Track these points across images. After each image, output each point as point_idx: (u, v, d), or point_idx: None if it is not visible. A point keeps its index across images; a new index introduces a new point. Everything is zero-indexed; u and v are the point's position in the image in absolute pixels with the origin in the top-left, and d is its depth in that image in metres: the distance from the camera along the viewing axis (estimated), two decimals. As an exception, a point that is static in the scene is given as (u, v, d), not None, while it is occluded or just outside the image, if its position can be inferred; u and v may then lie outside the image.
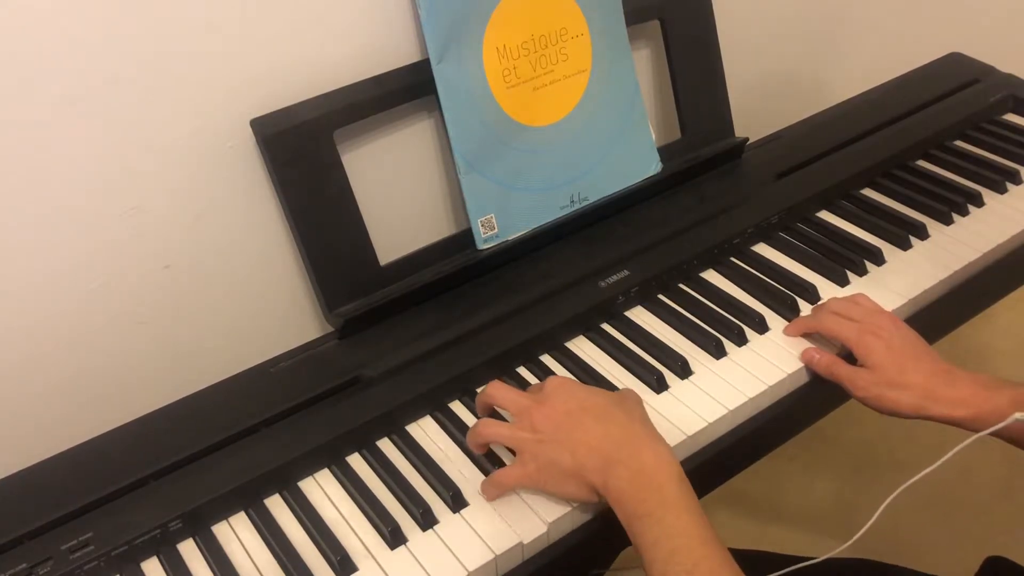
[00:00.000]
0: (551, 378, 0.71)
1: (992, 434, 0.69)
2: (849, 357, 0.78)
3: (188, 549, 0.66)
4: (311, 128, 0.76)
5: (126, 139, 0.71)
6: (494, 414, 0.73)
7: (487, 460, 0.70)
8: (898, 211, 0.97)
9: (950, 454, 0.67)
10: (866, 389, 0.75)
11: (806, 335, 0.82)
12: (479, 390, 0.73)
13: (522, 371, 0.79)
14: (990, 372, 0.74)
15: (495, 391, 0.71)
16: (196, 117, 0.73)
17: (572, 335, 0.83)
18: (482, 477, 0.70)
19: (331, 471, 0.71)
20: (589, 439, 0.64)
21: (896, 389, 0.74)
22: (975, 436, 0.69)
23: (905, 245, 0.92)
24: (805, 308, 0.85)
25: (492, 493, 0.68)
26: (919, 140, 1.06)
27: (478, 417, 0.74)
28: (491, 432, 0.69)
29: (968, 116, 1.10)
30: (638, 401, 0.70)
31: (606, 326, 0.84)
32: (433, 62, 0.79)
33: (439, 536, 0.66)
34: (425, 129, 0.85)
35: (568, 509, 0.67)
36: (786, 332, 0.82)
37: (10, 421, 0.76)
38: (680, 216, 0.93)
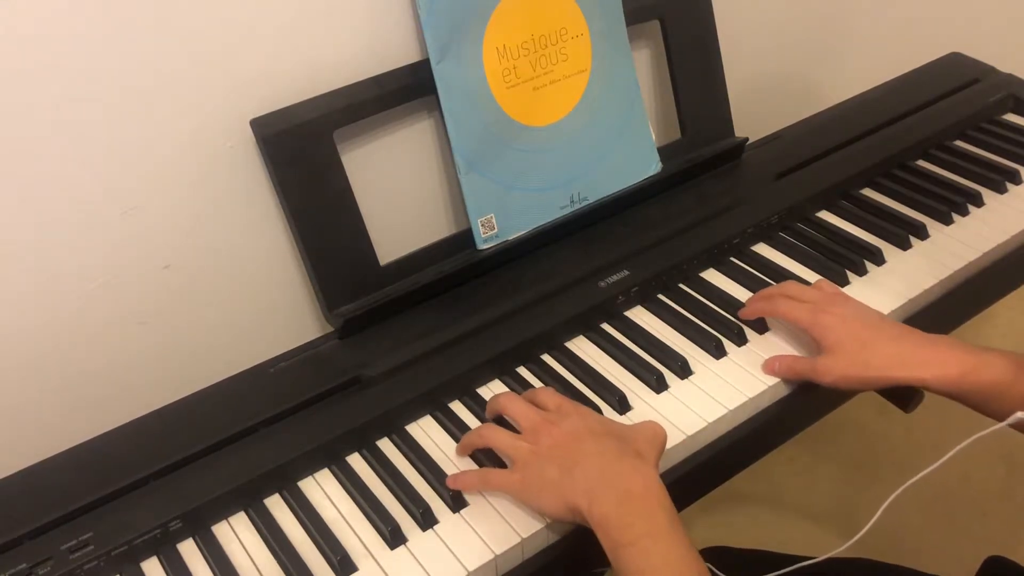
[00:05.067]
0: (569, 402, 0.70)
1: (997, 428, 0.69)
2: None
3: (188, 549, 0.66)
4: (311, 128, 0.76)
5: (126, 139, 0.71)
6: (500, 420, 0.72)
7: (488, 460, 0.70)
8: (898, 211, 0.97)
9: (951, 453, 0.67)
10: (830, 373, 0.73)
11: (763, 318, 0.82)
12: (492, 396, 0.73)
13: (522, 371, 0.79)
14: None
15: (509, 403, 0.70)
16: (196, 117, 0.73)
17: (572, 335, 0.83)
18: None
19: (331, 471, 0.71)
20: (581, 459, 0.63)
21: (859, 364, 0.72)
22: (978, 435, 0.68)
23: (905, 245, 0.92)
24: (805, 308, 0.85)
25: (472, 484, 0.67)
26: (919, 140, 1.06)
27: (484, 419, 0.74)
28: (492, 436, 0.68)
29: (968, 116, 1.10)
30: (654, 436, 0.66)
31: (606, 326, 0.84)
32: (433, 62, 0.79)
33: (439, 536, 0.66)
34: (425, 129, 0.85)
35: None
36: (741, 314, 0.82)
37: (10, 421, 0.76)
38: (680, 216, 0.93)
